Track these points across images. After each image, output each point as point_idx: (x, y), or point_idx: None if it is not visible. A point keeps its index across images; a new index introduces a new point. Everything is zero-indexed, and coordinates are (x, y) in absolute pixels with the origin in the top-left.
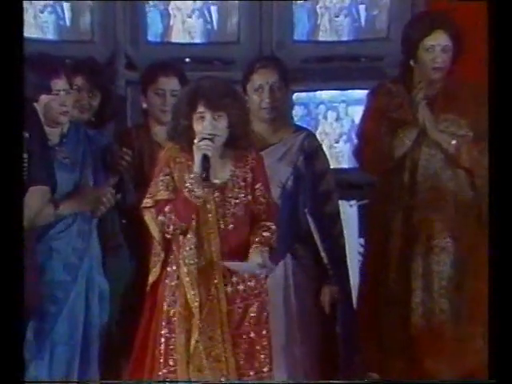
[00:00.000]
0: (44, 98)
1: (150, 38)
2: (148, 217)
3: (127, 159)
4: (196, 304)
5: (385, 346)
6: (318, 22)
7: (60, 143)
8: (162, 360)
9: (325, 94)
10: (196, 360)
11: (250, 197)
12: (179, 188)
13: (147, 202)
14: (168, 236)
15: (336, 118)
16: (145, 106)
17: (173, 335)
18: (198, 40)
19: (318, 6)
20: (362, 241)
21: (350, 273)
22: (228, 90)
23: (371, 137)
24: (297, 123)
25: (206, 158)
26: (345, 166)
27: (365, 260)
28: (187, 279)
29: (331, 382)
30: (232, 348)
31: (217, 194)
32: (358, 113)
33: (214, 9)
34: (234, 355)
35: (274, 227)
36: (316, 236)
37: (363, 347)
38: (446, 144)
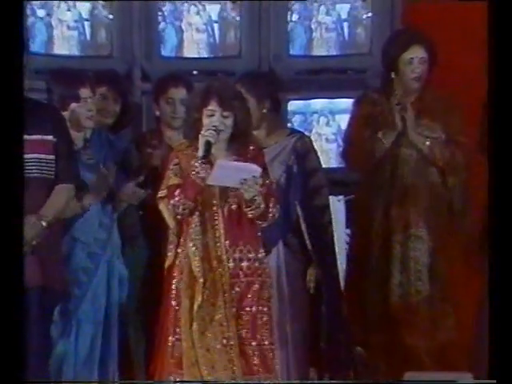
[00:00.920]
0: (72, 105)
1: (163, 53)
2: (162, 206)
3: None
4: (199, 274)
5: (368, 322)
6: (311, 37)
7: (84, 146)
8: (171, 330)
9: (317, 103)
10: (199, 323)
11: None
12: (186, 174)
13: (162, 192)
14: (178, 217)
15: (326, 123)
16: (157, 113)
17: (179, 306)
18: (204, 54)
19: (311, 22)
20: (348, 231)
21: (338, 258)
22: (237, 94)
23: (356, 140)
24: (292, 127)
25: (208, 144)
26: (334, 165)
27: (351, 247)
28: (192, 251)
29: (331, 382)
30: (234, 318)
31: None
32: (343, 119)
33: (216, 26)
34: (236, 324)
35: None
36: (303, 226)
37: (350, 324)
38: (421, 145)
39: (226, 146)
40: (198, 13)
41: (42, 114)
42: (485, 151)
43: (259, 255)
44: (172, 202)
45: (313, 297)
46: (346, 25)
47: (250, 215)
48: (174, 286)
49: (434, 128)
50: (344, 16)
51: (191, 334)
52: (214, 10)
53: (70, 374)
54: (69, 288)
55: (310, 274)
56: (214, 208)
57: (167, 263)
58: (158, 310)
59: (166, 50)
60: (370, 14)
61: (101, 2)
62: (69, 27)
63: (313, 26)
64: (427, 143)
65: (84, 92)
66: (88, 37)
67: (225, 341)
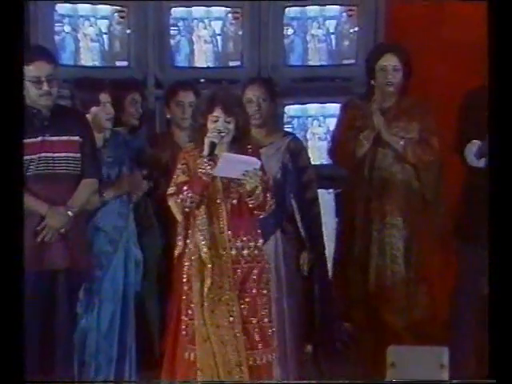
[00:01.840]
0: (93, 109)
1: (174, 63)
2: (171, 202)
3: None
4: (208, 260)
5: (352, 300)
6: (305, 49)
7: (104, 146)
8: (184, 310)
9: (311, 107)
10: (209, 302)
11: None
12: (193, 171)
13: (171, 189)
14: (187, 210)
15: (318, 124)
16: (168, 116)
17: (190, 290)
18: (210, 64)
19: (305, 36)
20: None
21: (327, 244)
22: (238, 101)
23: (341, 140)
24: (286, 129)
25: (213, 145)
26: (325, 161)
27: (338, 234)
28: (201, 240)
29: (332, 382)
30: (237, 298)
31: (223, 177)
32: (332, 122)
33: (219, 38)
34: (239, 304)
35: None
36: (297, 216)
37: (336, 301)
38: (395, 145)
39: (227, 147)
40: (205, 27)
41: (70, 118)
42: (458, 150)
43: (258, 244)
44: (181, 196)
45: (306, 278)
46: (333, 37)
47: (250, 205)
48: (185, 272)
49: (409, 129)
50: (332, 30)
51: (203, 313)
52: (217, 25)
53: (93, 346)
54: (92, 270)
55: (303, 258)
56: (218, 202)
57: (177, 252)
58: (171, 293)
59: (176, 61)
60: (356, 29)
61: (120, 19)
62: (92, 40)
63: (307, 39)
64: (401, 143)
65: (103, 97)
66: (108, 49)
67: (231, 318)
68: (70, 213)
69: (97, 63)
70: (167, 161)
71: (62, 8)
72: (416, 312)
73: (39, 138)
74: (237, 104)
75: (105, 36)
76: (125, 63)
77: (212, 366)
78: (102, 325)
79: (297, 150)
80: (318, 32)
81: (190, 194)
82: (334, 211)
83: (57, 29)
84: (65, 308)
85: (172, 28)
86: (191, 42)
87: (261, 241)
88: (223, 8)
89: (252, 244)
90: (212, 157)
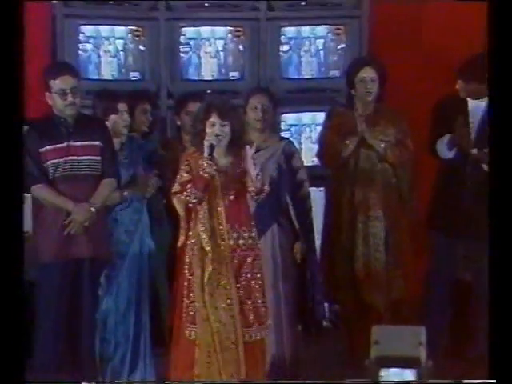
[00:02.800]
0: (112, 117)
1: (183, 76)
2: (175, 199)
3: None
4: (209, 249)
5: (338, 284)
6: (299, 63)
7: (121, 149)
8: (186, 293)
9: (305, 115)
10: (209, 287)
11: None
12: (195, 171)
13: (175, 188)
14: (190, 205)
15: (310, 130)
16: (178, 123)
17: (192, 276)
18: (215, 77)
19: (299, 52)
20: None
21: (317, 235)
22: (232, 107)
23: (328, 144)
24: (282, 134)
25: (212, 147)
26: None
27: (327, 226)
28: (201, 231)
29: (333, 382)
30: (234, 282)
31: (222, 176)
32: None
33: (223, 54)
34: (236, 288)
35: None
36: (291, 211)
37: (325, 285)
38: (377, 147)
39: (225, 149)
40: (210, 45)
41: (92, 125)
42: (430, 148)
43: (252, 234)
44: (185, 193)
45: (299, 265)
46: (323, 53)
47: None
48: (187, 261)
49: (386, 133)
50: (321, 47)
51: (203, 296)
52: (221, 42)
53: (112, 325)
54: (112, 258)
55: (296, 248)
56: (218, 198)
57: (180, 243)
58: (175, 279)
59: (186, 74)
60: (343, 46)
61: (136, 38)
62: (111, 56)
63: (300, 55)
64: (382, 145)
65: (121, 106)
66: (125, 64)
67: (228, 301)
68: (92, 208)
69: (115, 77)
70: (177, 162)
71: (86, 29)
72: (394, 293)
73: (65, 144)
74: (231, 110)
75: (122, 53)
76: (140, 76)
77: (210, 343)
78: (120, 306)
79: (291, 152)
80: (310, 48)
81: (193, 191)
82: (324, 206)
83: (82, 47)
84: (88, 292)
85: (181, 45)
86: (199, 58)
87: (254, 232)
88: (227, 27)
89: (246, 235)
90: (212, 157)
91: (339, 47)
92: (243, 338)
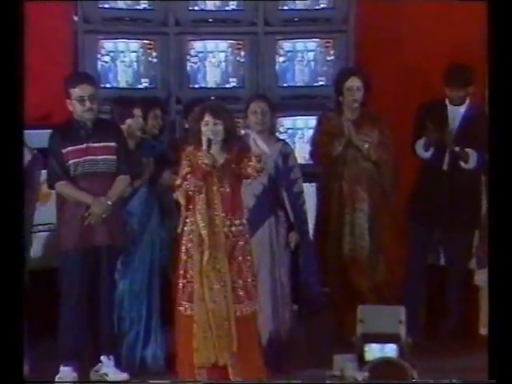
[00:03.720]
0: (128, 121)
1: (191, 84)
2: (178, 192)
3: None
4: (206, 236)
5: (328, 269)
6: (292, 72)
7: (135, 149)
8: (182, 274)
9: (300, 119)
10: (205, 270)
11: (238, 172)
12: (195, 163)
13: (177, 181)
14: (190, 193)
15: (303, 132)
16: (186, 126)
17: (189, 258)
18: (219, 85)
19: (293, 63)
20: None
21: (310, 225)
22: (224, 108)
23: (319, 145)
24: (279, 136)
25: (209, 141)
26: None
27: (318, 218)
28: (200, 220)
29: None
30: (228, 265)
31: (218, 171)
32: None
33: (226, 64)
34: (229, 270)
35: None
36: (287, 204)
37: (316, 270)
38: (362, 148)
39: (220, 147)
40: (214, 56)
41: (108, 128)
42: (412, 149)
43: (243, 221)
44: (185, 183)
45: (293, 252)
46: (313, 64)
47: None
48: (184, 245)
49: (370, 135)
50: (312, 58)
51: (200, 278)
52: (224, 54)
53: (128, 304)
54: (126, 245)
55: (291, 237)
56: (214, 190)
57: (179, 229)
58: (174, 262)
59: (192, 82)
60: (332, 57)
61: (149, 50)
62: (126, 67)
63: (294, 65)
64: (366, 146)
65: (136, 111)
66: (138, 73)
67: (222, 283)
68: (109, 202)
69: (130, 85)
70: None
71: (105, 43)
72: (377, 276)
73: (84, 145)
74: (222, 110)
75: (136, 64)
76: (152, 85)
77: (205, 320)
78: (135, 288)
79: (287, 153)
80: (303, 60)
81: (193, 181)
82: (315, 200)
83: (102, 59)
84: (106, 275)
85: (189, 57)
86: (204, 68)
87: (244, 220)
88: (229, 41)
89: (238, 222)
90: (209, 150)
91: (328, 58)
92: (235, 313)
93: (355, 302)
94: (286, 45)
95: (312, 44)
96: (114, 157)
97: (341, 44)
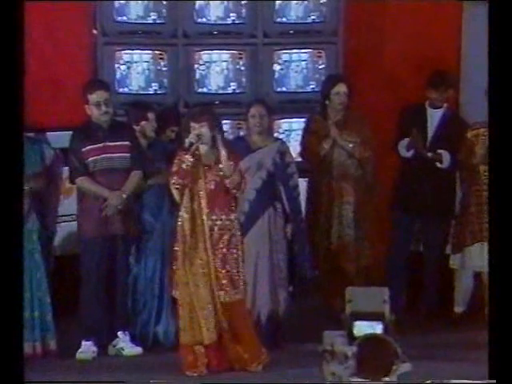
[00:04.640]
0: (142, 123)
1: (197, 90)
2: (172, 188)
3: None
4: (187, 228)
5: (319, 255)
6: (288, 79)
7: (148, 148)
8: (174, 261)
9: (294, 121)
10: (188, 258)
11: (223, 171)
12: (180, 165)
13: (171, 179)
14: (178, 190)
15: (298, 133)
16: None
17: (177, 248)
18: (222, 91)
19: (288, 70)
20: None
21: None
22: (206, 110)
23: (308, 145)
24: (276, 136)
25: (191, 144)
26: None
27: (308, 209)
28: (184, 214)
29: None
30: (212, 255)
31: (206, 170)
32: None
33: (228, 72)
34: (212, 259)
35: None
36: (284, 197)
37: (309, 256)
38: (346, 147)
39: (208, 148)
40: (218, 65)
41: (122, 129)
42: (394, 149)
43: (230, 217)
44: (172, 180)
45: (289, 241)
46: (306, 71)
47: (228, 186)
48: (177, 236)
49: (353, 135)
50: (305, 66)
51: (184, 265)
52: (227, 63)
53: (142, 286)
54: (140, 234)
55: (287, 227)
56: (199, 187)
57: (179, 223)
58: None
59: (198, 89)
60: (323, 66)
61: (160, 60)
62: (140, 75)
63: (289, 73)
64: (350, 145)
65: (150, 115)
66: (151, 80)
67: (205, 269)
68: (124, 195)
69: (143, 91)
70: None
71: (120, 54)
72: (363, 261)
73: (101, 144)
74: (204, 112)
75: (148, 71)
76: (163, 90)
77: (189, 302)
78: (147, 272)
79: (284, 151)
80: (297, 68)
81: (177, 180)
82: (306, 194)
83: (118, 68)
84: (122, 260)
85: (196, 65)
86: (209, 75)
87: (233, 216)
88: (232, 51)
89: (224, 217)
90: (193, 152)
91: (320, 67)
92: (219, 298)
93: (344, 284)
94: (283, 55)
95: (305, 54)
96: (128, 154)
97: (331, 54)
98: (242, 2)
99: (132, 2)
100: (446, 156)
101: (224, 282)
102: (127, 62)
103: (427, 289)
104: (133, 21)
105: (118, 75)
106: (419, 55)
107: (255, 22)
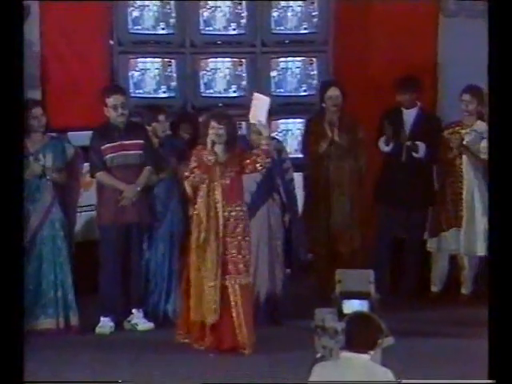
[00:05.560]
0: (154, 124)
1: (203, 94)
2: (186, 182)
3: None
4: (203, 218)
5: (316, 243)
6: (285, 83)
7: (159, 146)
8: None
9: (291, 122)
10: (202, 246)
11: (238, 168)
12: (200, 160)
13: (186, 173)
14: (195, 184)
15: (294, 132)
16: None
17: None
18: (225, 94)
19: (285, 75)
20: (304, 193)
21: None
22: (226, 115)
23: (307, 143)
24: (274, 136)
25: (213, 142)
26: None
27: (306, 201)
28: (201, 206)
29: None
30: (223, 243)
31: (221, 166)
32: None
33: (231, 77)
34: (227, 246)
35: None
36: (281, 190)
37: (305, 242)
38: (342, 144)
39: (223, 147)
40: (221, 71)
41: (136, 129)
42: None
43: (243, 208)
44: (192, 175)
45: (287, 229)
46: (300, 77)
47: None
48: (193, 226)
49: (348, 134)
50: (298, 72)
51: (197, 252)
52: (229, 69)
53: (153, 269)
54: (152, 222)
55: (285, 216)
56: (215, 182)
57: (190, 214)
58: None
59: (204, 92)
60: (315, 72)
61: (168, 67)
62: (152, 80)
63: (286, 78)
64: (345, 143)
65: (161, 117)
66: (161, 85)
67: (216, 257)
68: (138, 188)
69: (155, 95)
70: None
71: (134, 61)
72: (354, 244)
73: (118, 143)
74: (225, 117)
75: (158, 77)
76: (172, 94)
77: (198, 284)
78: (159, 257)
79: (280, 148)
80: (292, 74)
81: (198, 173)
82: (303, 186)
83: (132, 74)
84: (136, 246)
85: (201, 71)
86: (213, 80)
87: (245, 207)
88: (233, 59)
89: (238, 209)
90: (212, 149)
91: (312, 73)
92: (236, 281)
93: (334, 267)
94: (278, 62)
95: (299, 62)
96: (142, 152)
97: (322, 61)
98: (242, 15)
99: (145, 15)
100: (421, 146)
101: (240, 266)
102: (141, 69)
103: (407, 270)
104: (145, 32)
105: (132, 80)
106: (401, 62)
107: (254, 32)
